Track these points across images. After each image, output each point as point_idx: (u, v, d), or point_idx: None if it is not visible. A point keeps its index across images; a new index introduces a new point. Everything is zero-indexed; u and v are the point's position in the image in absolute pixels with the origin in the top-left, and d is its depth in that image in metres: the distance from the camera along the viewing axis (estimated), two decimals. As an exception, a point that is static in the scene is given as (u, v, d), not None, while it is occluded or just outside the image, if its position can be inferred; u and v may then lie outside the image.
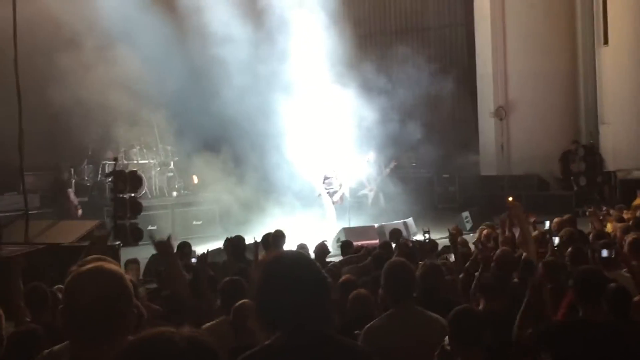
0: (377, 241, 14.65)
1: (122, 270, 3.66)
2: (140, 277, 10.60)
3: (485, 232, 11.09)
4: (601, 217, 11.65)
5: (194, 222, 18.98)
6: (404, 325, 4.99)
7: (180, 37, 18.71)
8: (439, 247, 11.08)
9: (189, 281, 7.34)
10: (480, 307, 5.49)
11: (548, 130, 22.11)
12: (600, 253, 7.39)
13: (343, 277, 7.67)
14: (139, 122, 18.70)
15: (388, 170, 20.57)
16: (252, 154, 19.68)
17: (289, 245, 11.58)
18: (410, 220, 17.66)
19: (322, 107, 19.13)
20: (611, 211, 12.88)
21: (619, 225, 10.73)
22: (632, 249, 7.56)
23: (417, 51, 23.82)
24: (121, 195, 14.96)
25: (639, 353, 4.96)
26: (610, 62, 21.36)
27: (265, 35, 19.03)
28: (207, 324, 6.12)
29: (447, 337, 4.65)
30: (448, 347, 4.60)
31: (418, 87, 22.13)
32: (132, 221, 14.90)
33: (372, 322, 5.07)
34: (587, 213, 12.05)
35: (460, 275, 7.32)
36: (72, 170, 19.60)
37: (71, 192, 19.13)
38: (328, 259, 11.20)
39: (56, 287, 6.98)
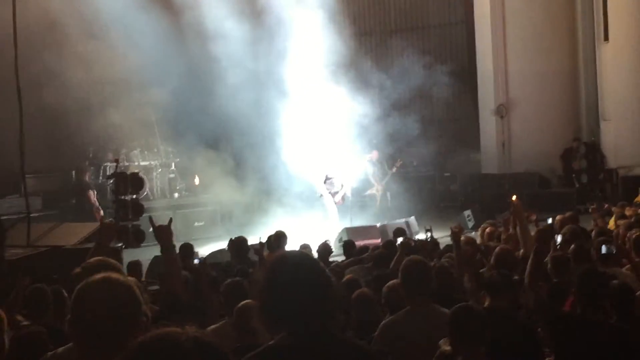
0: (379, 240, 14.65)
1: (125, 275, 3.66)
2: (143, 278, 10.60)
3: (487, 230, 11.10)
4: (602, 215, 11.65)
5: (196, 224, 18.98)
6: (419, 322, 5.04)
7: (179, 36, 18.69)
8: (441, 246, 11.07)
9: (190, 282, 7.34)
10: (486, 304, 5.49)
11: (549, 128, 22.08)
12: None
13: (346, 277, 7.68)
14: (139, 123, 18.67)
15: (394, 169, 20.55)
16: (253, 154, 19.67)
17: (292, 245, 11.58)
18: (412, 219, 17.65)
19: (322, 106, 19.10)
20: (613, 208, 12.89)
21: (621, 222, 10.72)
22: (636, 245, 7.57)
23: (417, 49, 23.80)
24: (123, 197, 14.94)
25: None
26: (611, 58, 21.33)
27: (263, 34, 19.01)
28: (211, 327, 6.12)
29: (443, 340, 4.62)
30: (446, 349, 4.57)
31: (418, 85, 22.12)
32: (134, 223, 14.88)
33: (389, 318, 5.11)
34: (590, 210, 12.05)
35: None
36: (92, 170, 19.53)
37: (92, 193, 19.06)
38: (331, 259, 11.20)
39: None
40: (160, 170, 19.83)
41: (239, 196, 18.83)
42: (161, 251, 5.27)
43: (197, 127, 18.91)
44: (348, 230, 16.46)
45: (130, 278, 3.04)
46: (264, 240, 10.19)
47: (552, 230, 5.83)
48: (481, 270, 7.13)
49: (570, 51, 22.64)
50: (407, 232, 15.40)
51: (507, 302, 5.46)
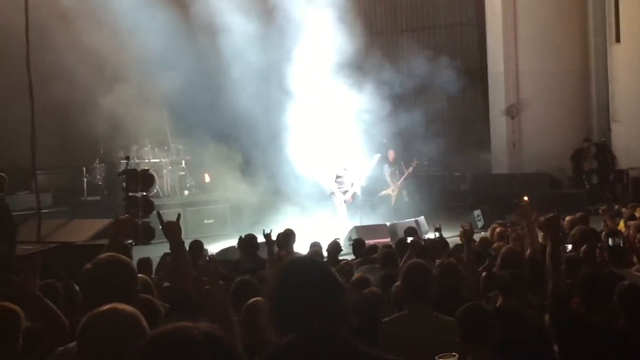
0: (388, 239, 14.65)
1: (135, 268, 3.66)
2: (153, 275, 10.61)
3: (497, 230, 11.09)
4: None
5: (206, 221, 19.01)
6: (412, 327, 4.98)
7: (190, 33, 18.69)
8: (450, 246, 11.06)
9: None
10: (498, 304, 5.49)
11: (560, 128, 22.04)
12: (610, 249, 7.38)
13: (356, 276, 7.68)
14: (150, 120, 18.69)
15: (411, 169, 20.47)
16: (262, 152, 19.68)
17: (301, 243, 11.58)
18: (421, 219, 17.64)
19: (332, 104, 19.11)
20: (623, 209, 12.85)
21: (632, 223, 10.69)
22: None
23: (428, 49, 23.75)
24: (133, 194, 14.96)
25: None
26: (623, 59, 21.29)
27: (274, 32, 19.02)
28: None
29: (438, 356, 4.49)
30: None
31: (427, 85, 22.10)
32: (145, 220, 14.89)
33: (387, 319, 5.08)
34: (600, 211, 12.01)
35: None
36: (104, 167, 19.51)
37: None
38: (340, 257, 11.20)
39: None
40: (170, 167, 19.86)
41: (249, 194, 18.85)
42: (170, 247, 5.28)
43: (207, 124, 18.92)
44: (358, 228, 16.48)
45: (134, 309, 3.08)
46: (273, 234, 10.18)
47: (558, 218, 5.75)
48: (493, 270, 7.12)
49: (581, 52, 22.59)
50: (417, 231, 15.42)
51: (519, 302, 5.44)
